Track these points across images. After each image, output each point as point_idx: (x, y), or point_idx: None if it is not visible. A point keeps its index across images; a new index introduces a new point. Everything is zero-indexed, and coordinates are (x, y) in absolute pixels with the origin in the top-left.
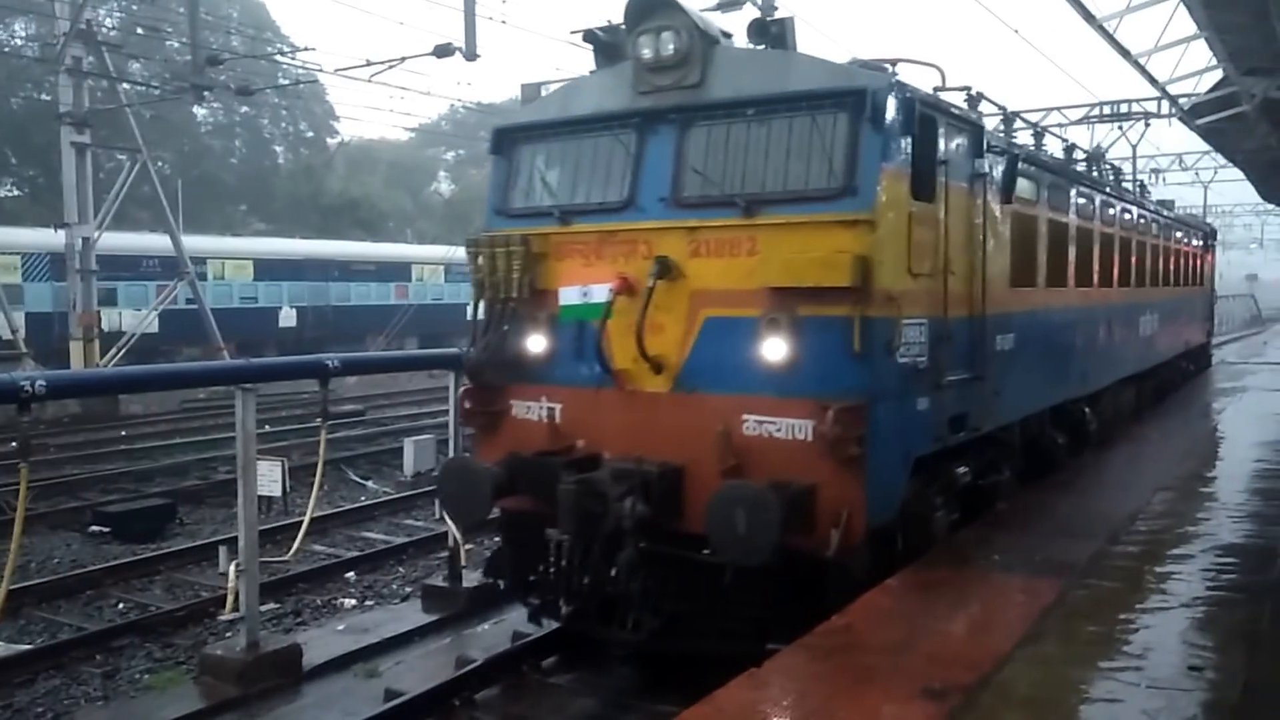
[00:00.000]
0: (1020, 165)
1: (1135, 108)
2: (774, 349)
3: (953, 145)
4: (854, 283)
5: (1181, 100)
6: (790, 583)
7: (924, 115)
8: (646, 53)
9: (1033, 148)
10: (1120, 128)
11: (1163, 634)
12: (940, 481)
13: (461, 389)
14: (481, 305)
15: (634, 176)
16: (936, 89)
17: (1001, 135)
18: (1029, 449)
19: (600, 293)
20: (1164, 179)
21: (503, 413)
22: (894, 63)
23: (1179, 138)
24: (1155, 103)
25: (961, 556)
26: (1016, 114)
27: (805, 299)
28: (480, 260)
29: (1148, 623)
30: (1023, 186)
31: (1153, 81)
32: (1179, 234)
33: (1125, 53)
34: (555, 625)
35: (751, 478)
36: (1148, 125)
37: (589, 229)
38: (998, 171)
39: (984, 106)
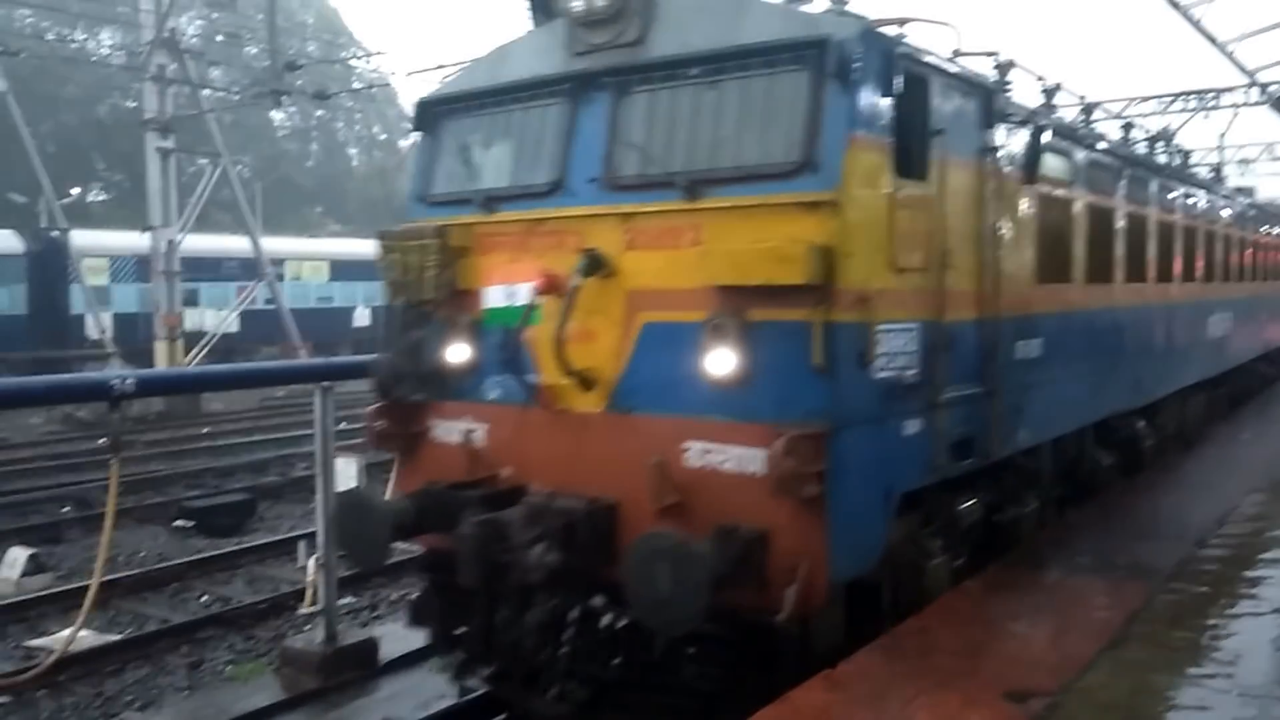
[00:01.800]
0: (1048, 139)
1: (1224, 99)
2: (719, 361)
3: (952, 112)
4: (812, 279)
5: (1271, 88)
6: (741, 649)
7: (909, 72)
8: (577, 4)
9: (1082, 124)
10: (1206, 116)
11: (1254, 640)
12: (940, 520)
13: (372, 406)
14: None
15: (564, 154)
16: (956, 53)
17: (1021, 103)
18: (1066, 474)
19: (525, 294)
20: (1254, 169)
21: (422, 435)
22: (901, 23)
23: (1272, 127)
24: (1243, 91)
25: (1041, 559)
26: (1096, 104)
27: (756, 300)
28: (392, 257)
29: (1238, 629)
30: (1053, 165)
31: (1241, 69)
32: (1260, 224)
33: (1212, 39)
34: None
35: (694, 520)
36: (1236, 114)
37: (514, 218)
38: (1017, 146)
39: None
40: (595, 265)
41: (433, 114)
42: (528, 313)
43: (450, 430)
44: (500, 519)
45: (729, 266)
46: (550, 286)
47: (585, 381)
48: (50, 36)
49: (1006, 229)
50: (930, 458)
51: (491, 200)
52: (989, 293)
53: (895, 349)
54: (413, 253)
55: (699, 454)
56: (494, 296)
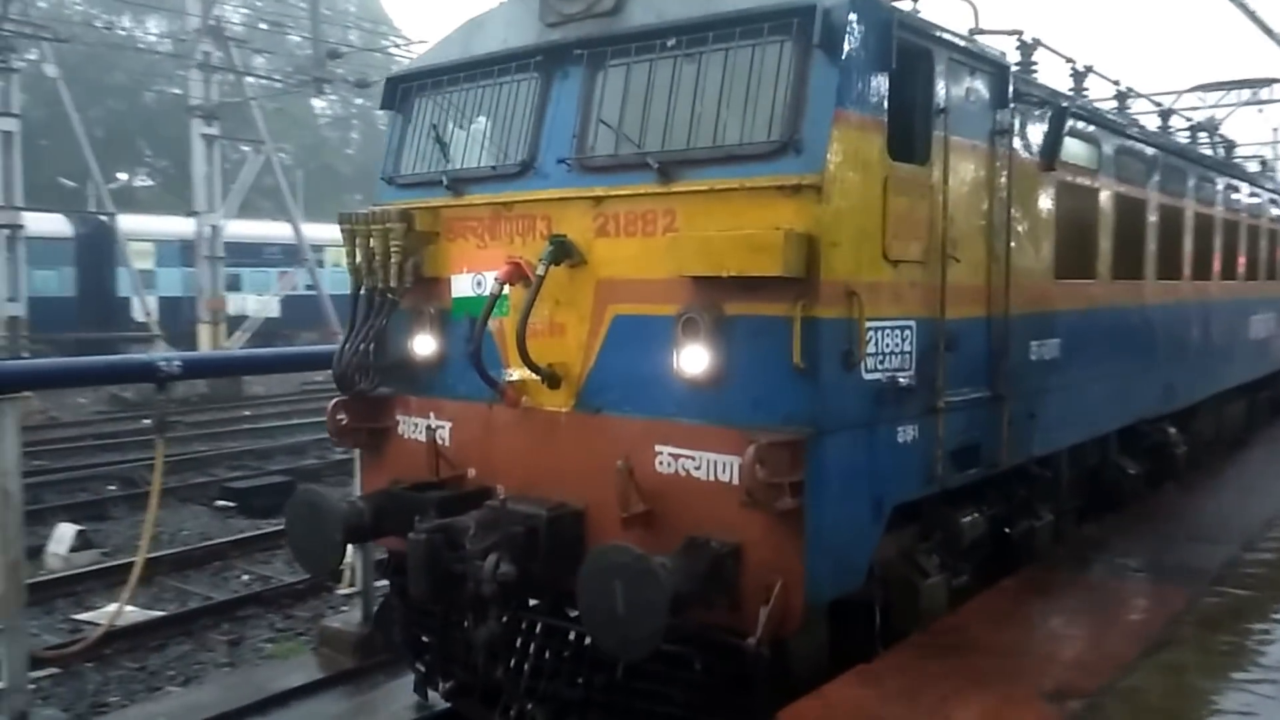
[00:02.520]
0: (1071, 123)
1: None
2: (691, 359)
3: (959, 89)
4: (791, 270)
5: None
6: (713, 671)
7: (909, 45)
8: None
9: (1116, 111)
10: (1260, 110)
11: None
12: (939, 535)
13: (333, 400)
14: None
15: (535, 133)
16: (972, 32)
17: (1041, 84)
18: (1086, 483)
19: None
20: None
21: (387, 431)
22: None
23: None
24: None
25: (1081, 559)
26: (1130, 91)
27: (732, 293)
28: (355, 242)
29: None
30: (1077, 151)
31: None
32: None
33: (1268, 30)
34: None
35: (664, 530)
36: None
37: (482, 200)
38: (1035, 129)
39: (1093, 81)
40: (562, 253)
41: (402, 91)
42: (491, 303)
43: (416, 427)
44: (453, 525)
45: (701, 255)
46: (515, 275)
47: (551, 378)
48: (99, 24)
49: (1021, 219)
50: (928, 467)
51: (459, 182)
52: (999, 288)
53: (888, 348)
54: (376, 238)
55: (670, 459)
56: (461, 285)
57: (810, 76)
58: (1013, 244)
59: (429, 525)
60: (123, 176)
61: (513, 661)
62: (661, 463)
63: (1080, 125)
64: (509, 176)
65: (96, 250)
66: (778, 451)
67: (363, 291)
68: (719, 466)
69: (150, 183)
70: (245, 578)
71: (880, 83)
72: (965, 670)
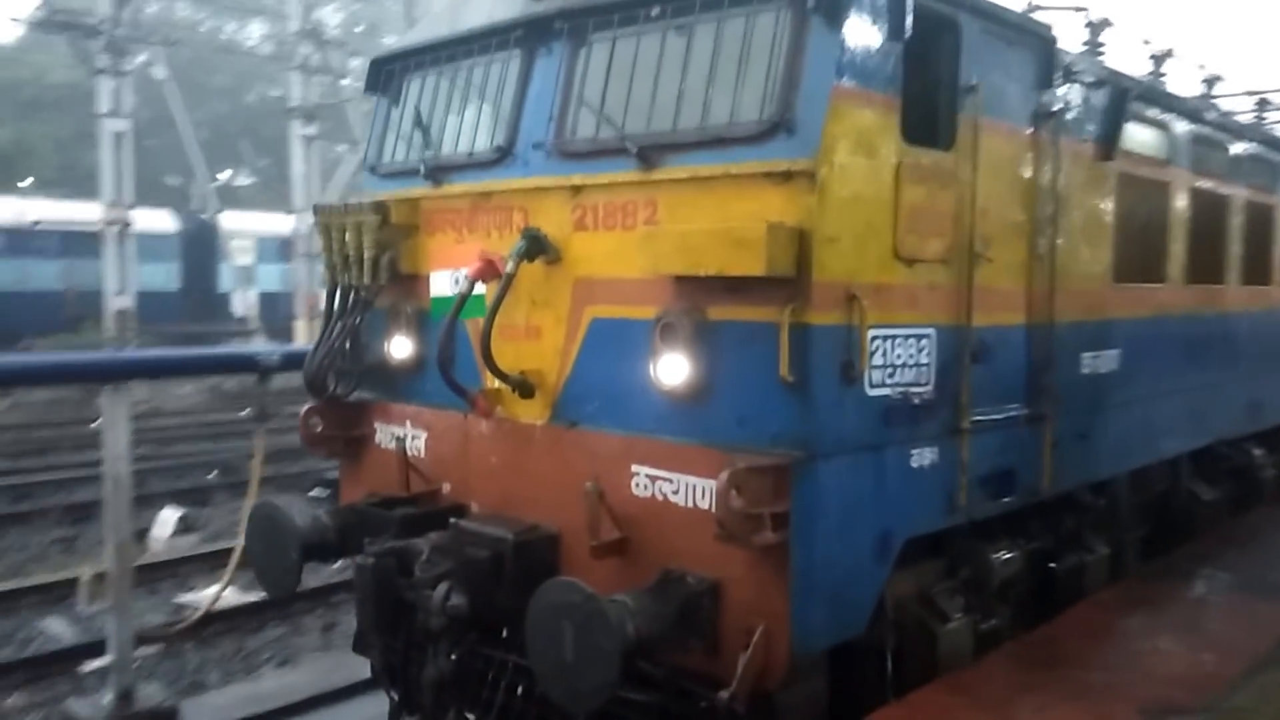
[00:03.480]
0: (1136, 107)
1: None
2: (669, 369)
3: (995, 64)
4: (777, 270)
5: None
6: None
7: (929, 12)
8: None
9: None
10: None
11: None
12: (966, 572)
13: (306, 405)
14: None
15: (515, 116)
16: (1030, 8)
17: (1097, 59)
18: (1152, 511)
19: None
20: None
21: (365, 440)
22: None
23: None
24: None
25: (1182, 573)
26: (1219, 79)
27: (717, 294)
28: (330, 236)
29: None
30: (1144, 139)
31: None
32: None
33: None
34: None
35: (640, 560)
36: None
37: (460, 191)
38: (1090, 113)
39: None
40: (535, 248)
41: (385, 73)
42: (460, 303)
43: (392, 436)
44: (408, 549)
45: (678, 252)
46: (488, 272)
47: (522, 386)
48: (204, 28)
49: (1072, 215)
50: (950, 495)
51: (438, 170)
52: (1043, 292)
53: (899, 360)
54: (350, 231)
55: (647, 481)
56: (440, 283)
57: (806, 47)
58: (1060, 242)
59: (380, 547)
60: (225, 175)
61: (469, 702)
62: (638, 485)
63: (1147, 109)
64: (487, 164)
65: (200, 246)
66: (758, 477)
67: (338, 289)
68: (698, 491)
69: (251, 181)
70: (338, 564)
71: (892, 55)
72: (1059, 683)
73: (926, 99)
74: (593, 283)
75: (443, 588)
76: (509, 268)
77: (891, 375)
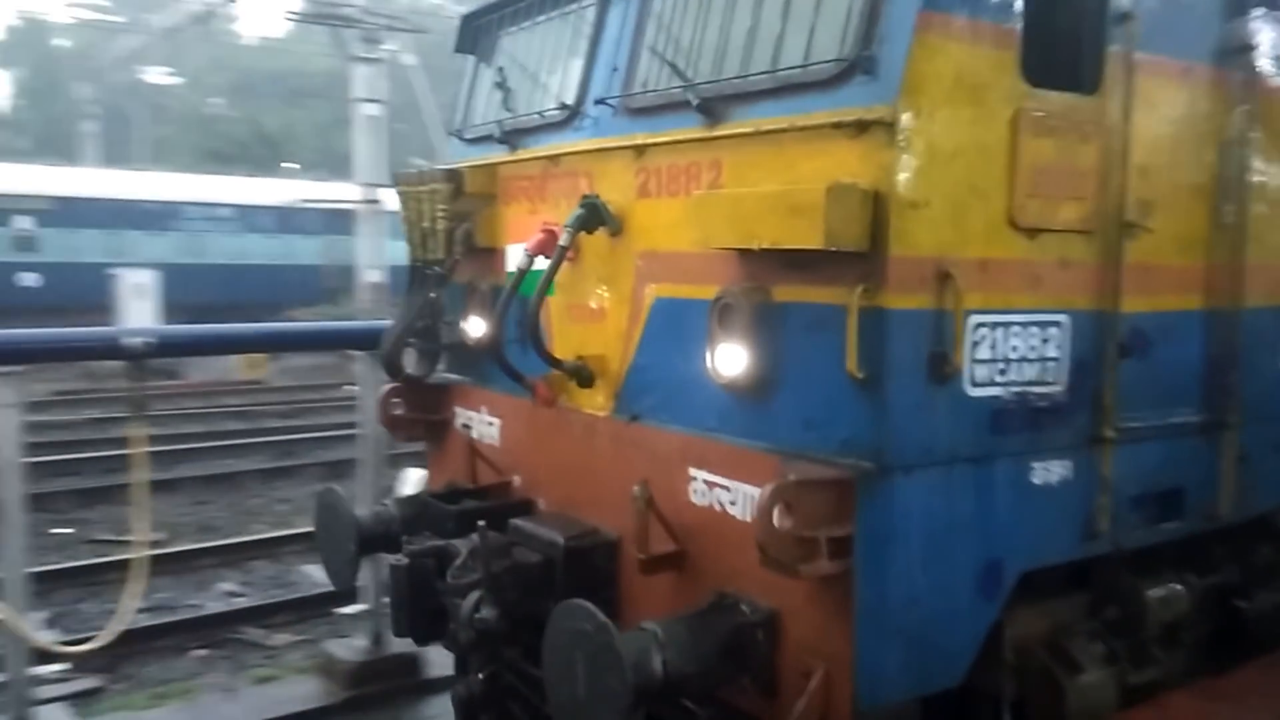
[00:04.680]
0: None
1: None
2: (727, 357)
3: None
4: (843, 241)
5: None
6: None
7: None
8: None
9: None
10: None
11: None
12: (1114, 611)
13: (385, 387)
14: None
15: (586, 70)
16: None
17: None
18: None
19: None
20: None
21: (446, 425)
22: None
23: None
24: None
25: None
26: None
27: (783, 271)
28: (407, 206)
29: None
30: None
31: None
32: None
33: None
34: None
35: (697, 578)
36: None
37: (533, 155)
38: None
39: None
40: (593, 218)
41: (474, 29)
42: (518, 279)
43: (471, 421)
44: (447, 550)
45: (729, 220)
46: (547, 245)
47: (580, 374)
48: (449, 14)
49: (1270, 174)
50: (1088, 518)
51: (514, 134)
52: (1228, 269)
53: (1015, 352)
54: (425, 201)
55: (704, 488)
56: (514, 257)
57: None
58: (1257, 209)
59: (418, 547)
60: None
61: None
62: (695, 491)
63: None
64: (557, 125)
65: None
66: (812, 493)
67: (414, 264)
68: (755, 503)
69: None
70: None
71: None
72: None
73: (1060, 31)
74: (655, 257)
75: (473, 597)
76: (563, 240)
77: (1004, 372)
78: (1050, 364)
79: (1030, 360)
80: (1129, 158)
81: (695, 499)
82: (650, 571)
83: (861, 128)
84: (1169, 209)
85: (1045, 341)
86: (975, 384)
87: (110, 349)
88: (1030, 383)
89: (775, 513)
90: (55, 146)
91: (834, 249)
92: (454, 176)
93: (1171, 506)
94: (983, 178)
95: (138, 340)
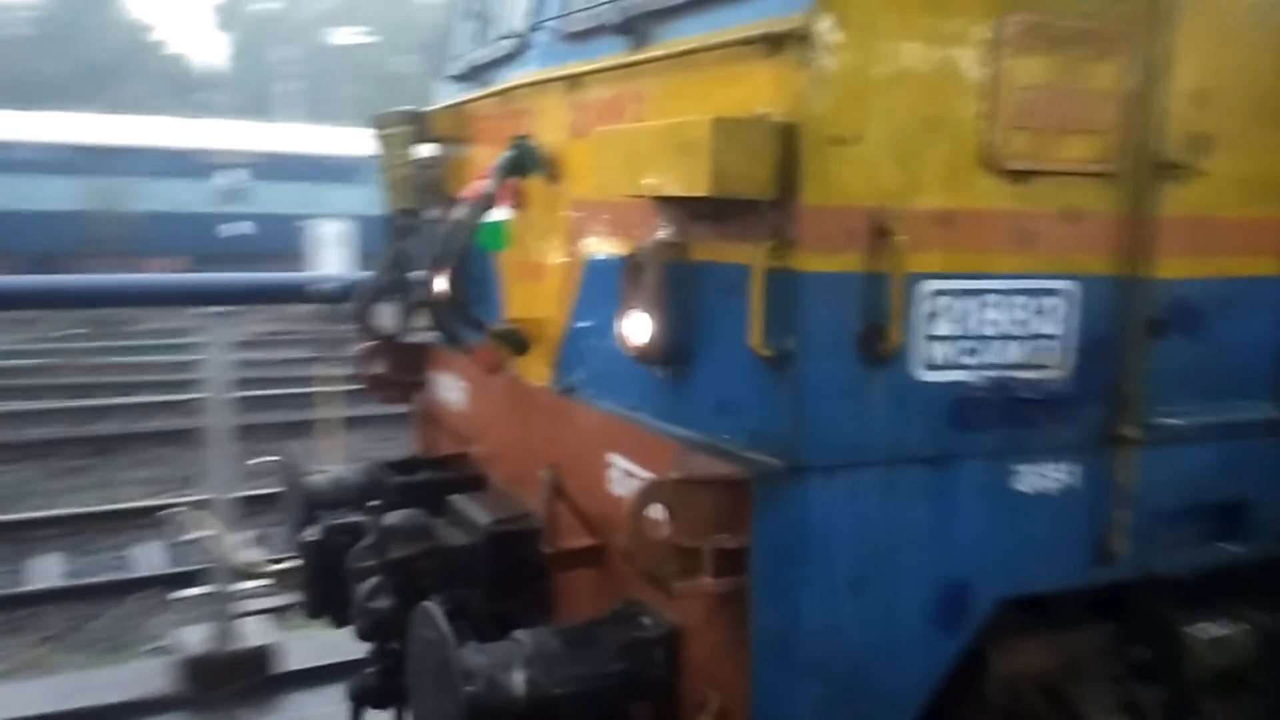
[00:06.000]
0: None
1: None
2: (635, 325)
3: None
4: (740, 186)
5: None
6: None
7: None
8: None
9: None
10: None
11: None
12: (1140, 653)
13: (364, 345)
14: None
15: None
16: None
17: None
18: None
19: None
20: None
21: (423, 386)
22: None
23: None
24: None
25: None
26: None
27: (700, 224)
28: (381, 151)
29: None
30: None
31: None
32: None
33: None
34: None
35: (614, 580)
36: None
37: (487, 93)
38: None
39: None
40: (523, 162)
41: None
42: (459, 230)
43: (441, 385)
44: (361, 528)
45: (626, 162)
46: (481, 192)
47: (508, 339)
48: None
49: None
50: (1100, 535)
51: (479, 69)
52: None
53: (993, 328)
54: (392, 145)
55: (621, 476)
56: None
57: None
58: None
59: (331, 522)
60: None
61: None
62: (612, 479)
63: None
64: (511, 57)
65: None
66: (697, 494)
67: (389, 213)
68: None
69: None
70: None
71: None
72: None
73: None
74: (587, 207)
75: (369, 584)
76: (487, 186)
77: (974, 352)
78: (1045, 343)
79: (1016, 338)
80: (1173, 77)
81: (613, 488)
82: (559, 568)
83: (774, 44)
84: (1235, 145)
85: (1039, 314)
86: (930, 366)
87: (304, 293)
88: (1015, 366)
89: (650, 516)
90: (263, 104)
91: (726, 197)
92: (416, 118)
93: (1230, 524)
94: (943, 105)
95: (328, 286)
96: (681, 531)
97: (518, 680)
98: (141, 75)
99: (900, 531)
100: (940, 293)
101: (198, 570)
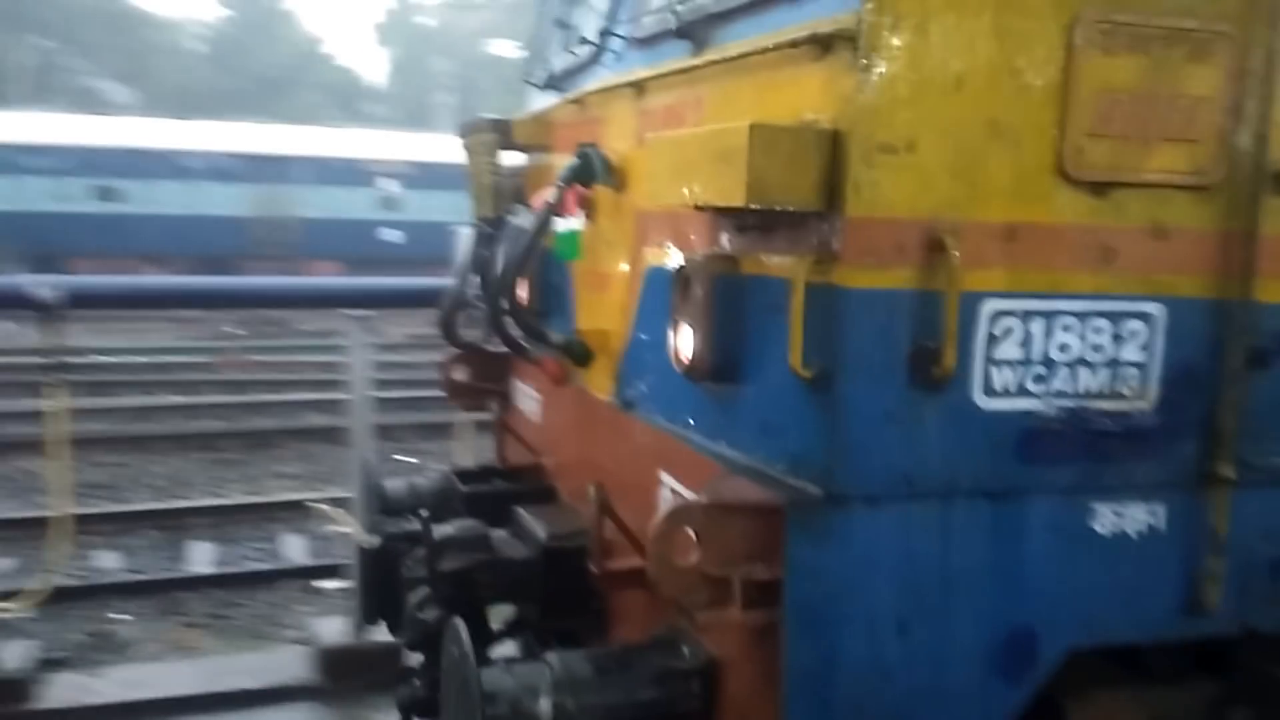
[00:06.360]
0: None
1: None
2: (682, 339)
3: None
4: (780, 197)
5: None
6: None
7: None
8: None
9: None
10: None
11: None
12: (1240, 714)
13: (448, 353)
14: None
15: None
16: None
17: None
18: None
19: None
20: None
21: (506, 395)
22: None
23: None
24: None
25: None
26: None
27: (751, 235)
28: (468, 159)
29: None
30: None
31: None
32: None
33: None
34: None
35: (660, 605)
36: None
37: (567, 99)
38: None
39: None
40: (586, 171)
41: None
42: (530, 240)
43: (522, 395)
44: (419, 537)
45: (673, 170)
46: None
47: (570, 351)
48: None
49: None
50: (1192, 584)
51: (561, 77)
52: None
53: (1065, 353)
54: (479, 152)
55: (671, 496)
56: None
57: None
58: None
59: (392, 529)
60: None
61: None
62: (664, 499)
63: None
64: (589, 63)
65: None
66: (727, 521)
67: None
68: None
69: None
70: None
71: None
72: None
73: None
74: (650, 217)
75: (417, 595)
76: (550, 196)
77: (1042, 378)
78: (1128, 371)
79: (1091, 365)
80: None
81: (663, 508)
82: (609, 588)
83: (823, 46)
84: None
85: (1118, 339)
86: (992, 393)
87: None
88: (1090, 395)
89: (678, 540)
90: (419, 116)
91: (764, 208)
92: (500, 126)
93: None
94: (1009, 111)
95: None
96: (710, 559)
97: (544, 706)
98: (311, 87)
99: (956, 570)
100: (1003, 313)
101: (338, 564)
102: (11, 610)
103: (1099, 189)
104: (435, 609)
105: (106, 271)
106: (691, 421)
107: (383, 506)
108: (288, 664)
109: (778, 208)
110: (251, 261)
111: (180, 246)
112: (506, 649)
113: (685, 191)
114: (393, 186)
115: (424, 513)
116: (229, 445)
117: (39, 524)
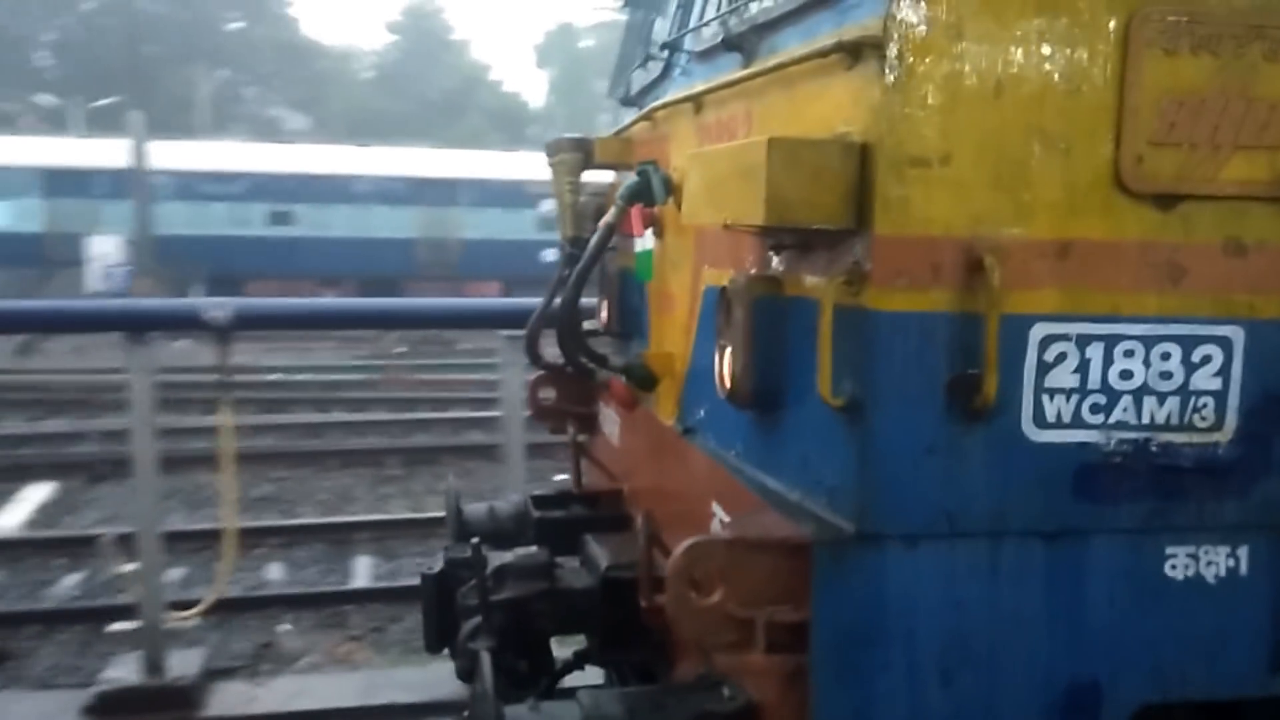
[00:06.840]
0: None
1: None
2: (726, 364)
3: None
4: (807, 215)
5: None
6: None
7: None
8: None
9: None
10: None
11: None
12: None
13: (536, 374)
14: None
15: (683, 12)
16: None
17: None
18: None
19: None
20: None
21: (593, 419)
22: None
23: None
24: None
25: None
26: None
27: (793, 255)
28: (552, 178)
29: None
30: None
31: None
32: None
33: None
34: None
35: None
36: None
37: (639, 116)
38: None
39: None
40: (644, 188)
41: None
42: (590, 259)
43: (606, 418)
44: (473, 563)
45: (707, 187)
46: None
47: (633, 374)
48: None
49: None
50: (1276, 639)
51: (641, 93)
52: None
53: (1129, 381)
54: (563, 172)
55: (719, 530)
56: (645, 236)
57: None
58: None
59: (453, 555)
60: None
61: None
62: (716, 530)
63: None
64: (661, 79)
65: None
66: (751, 559)
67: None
68: None
69: None
70: None
71: None
72: None
73: None
74: (707, 236)
75: (469, 625)
76: (609, 216)
77: (1102, 408)
78: (1202, 400)
79: (1159, 393)
80: None
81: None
82: (654, 622)
83: (853, 54)
84: None
85: (1192, 365)
86: (1044, 424)
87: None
88: (1159, 427)
89: (700, 578)
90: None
91: (786, 226)
92: (582, 145)
93: None
94: (1058, 119)
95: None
96: (733, 599)
97: None
98: (477, 111)
99: (1006, 616)
100: (1056, 337)
101: None
102: (184, 619)
103: (1164, 202)
104: (487, 639)
105: (279, 293)
106: (740, 450)
107: (461, 531)
108: (443, 680)
109: (800, 225)
110: (416, 282)
111: (349, 268)
112: (591, 679)
113: (717, 210)
114: (552, 206)
115: (475, 540)
116: (392, 461)
117: (212, 536)
